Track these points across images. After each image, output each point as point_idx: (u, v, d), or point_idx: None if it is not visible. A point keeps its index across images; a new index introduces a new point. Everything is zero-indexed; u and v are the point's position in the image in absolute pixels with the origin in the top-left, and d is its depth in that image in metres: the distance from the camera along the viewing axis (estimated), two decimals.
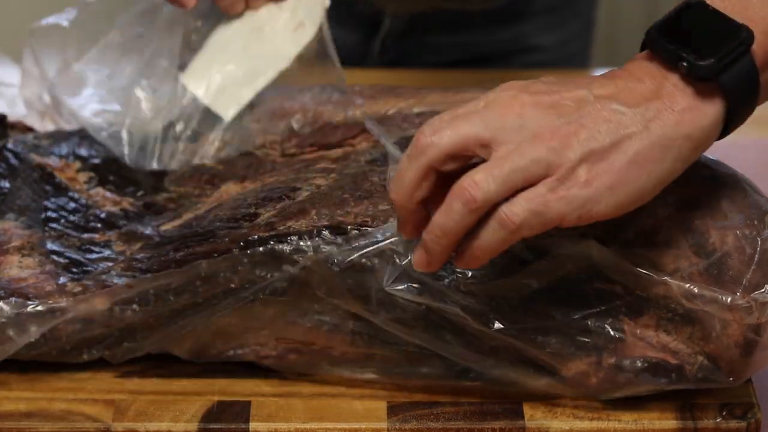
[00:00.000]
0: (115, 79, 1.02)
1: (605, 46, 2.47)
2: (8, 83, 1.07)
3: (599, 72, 0.75)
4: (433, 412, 0.79)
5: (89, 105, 1.01)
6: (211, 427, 0.79)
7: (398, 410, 0.79)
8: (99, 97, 1.02)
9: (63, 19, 1.03)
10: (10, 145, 0.98)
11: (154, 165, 0.97)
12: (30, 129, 1.02)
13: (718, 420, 0.79)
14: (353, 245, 0.77)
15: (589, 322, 0.78)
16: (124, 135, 0.98)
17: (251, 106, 1.00)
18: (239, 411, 0.79)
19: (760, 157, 1.17)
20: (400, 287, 0.76)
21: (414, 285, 0.76)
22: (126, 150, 0.97)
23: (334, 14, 1.29)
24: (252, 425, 0.79)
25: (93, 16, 1.04)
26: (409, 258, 0.75)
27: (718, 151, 0.85)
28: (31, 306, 0.80)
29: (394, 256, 0.76)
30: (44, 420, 0.79)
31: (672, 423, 0.79)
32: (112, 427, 0.78)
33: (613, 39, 2.47)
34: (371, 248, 0.77)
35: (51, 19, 1.04)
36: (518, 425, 0.79)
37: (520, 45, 1.29)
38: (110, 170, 0.96)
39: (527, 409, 0.79)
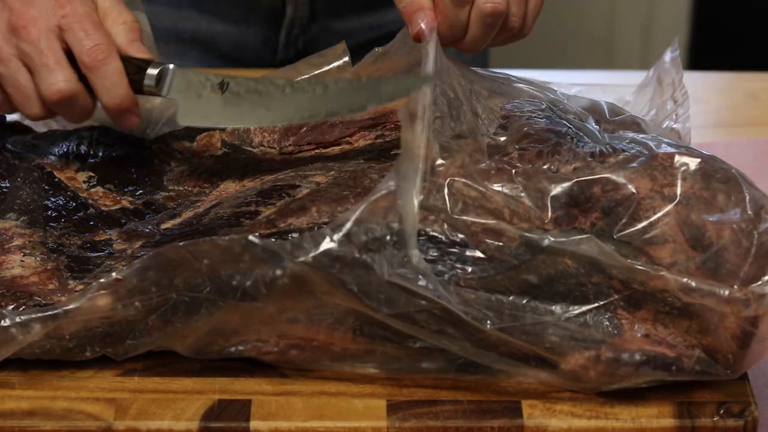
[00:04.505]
0: None
1: (604, 46, 2.48)
2: None
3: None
4: (432, 411, 0.80)
5: None
6: (212, 425, 0.79)
7: (398, 408, 0.80)
8: None
9: None
10: (9, 145, 0.98)
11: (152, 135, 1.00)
12: (28, 129, 1.03)
13: (715, 418, 0.79)
14: (354, 242, 0.77)
15: (588, 317, 0.79)
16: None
17: None
18: (240, 409, 0.80)
19: (756, 157, 1.17)
20: (402, 273, 0.76)
21: (416, 274, 0.77)
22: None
23: (234, 14, 1.28)
24: (253, 424, 0.79)
25: None
26: (411, 250, 0.76)
27: (716, 151, 0.85)
28: (35, 305, 0.81)
29: (393, 247, 0.77)
30: (46, 419, 0.79)
31: (670, 421, 0.79)
32: (114, 425, 0.79)
33: (611, 40, 2.47)
34: (371, 244, 0.77)
35: None
36: (517, 424, 0.79)
37: None
38: (109, 170, 0.96)
39: (526, 408, 0.80)
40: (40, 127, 1.04)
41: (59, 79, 0.90)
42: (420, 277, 0.77)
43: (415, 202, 0.78)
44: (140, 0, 1.03)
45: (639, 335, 0.79)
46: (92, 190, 0.94)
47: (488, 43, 0.92)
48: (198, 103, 0.90)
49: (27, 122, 1.04)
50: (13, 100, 0.92)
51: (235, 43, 1.29)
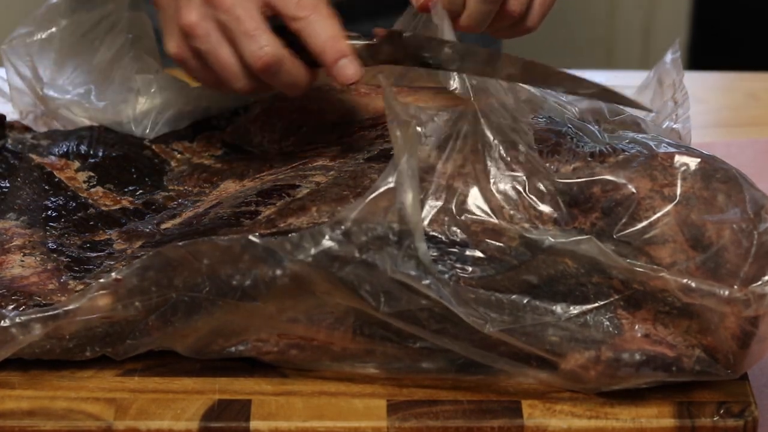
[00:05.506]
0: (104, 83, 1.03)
1: (604, 46, 2.48)
2: None
3: None
4: (432, 411, 0.80)
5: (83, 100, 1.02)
6: (212, 425, 0.79)
7: (398, 408, 0.80)
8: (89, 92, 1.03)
9: (32, 25, 1.03)
10: (9, 145, 0.98)
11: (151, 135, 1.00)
12: (28, 129, 1.03)
13: (715, 418, 0.79)
14: (354, 240, 0.77)
15: (588, 317, 0.79)
16: (128, 109, 0.99)
17: (246, 107, 1.00)
18: (240, 409, 0.79)
19: (756, 157, 1.18)
20: (406, 271, 0.76)
21: (420, 272, 0.77)
22: (131, 117, 0.99)
23: None
24: (253, 424, 0.79)
25: (57, 15, 1.04)
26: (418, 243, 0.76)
27: (716, 151, 0.86)
28: (35, 305, 0.81)
29: (395, 245, 0.77)
30: (46, 418, 0.79)
31: (670, 421, 0.79)
32: (114, 425, 0.79)
33: (611, 40, 2.47)
34: (372, 243, 0.77)
35: (21, 29, 1.03)
36: (517, 424, 0.79)
37: None
38: (109, 170, 0.96)
39: (526, 408, 0.80)
40: (40, 127, 1.04)
41: (262, 44, 0.86)
42: (423, 275, 0.76)
43: (418, 195, 0.78)
44: (144, 1, 1.03)
45: (639, 335, 0.79)
46: (92, 190, 0.94)
47: (489, 29, 0.91)
48: None
49: (27, 122, 1.04)
50: (219, 76, 0.89)
51: None
